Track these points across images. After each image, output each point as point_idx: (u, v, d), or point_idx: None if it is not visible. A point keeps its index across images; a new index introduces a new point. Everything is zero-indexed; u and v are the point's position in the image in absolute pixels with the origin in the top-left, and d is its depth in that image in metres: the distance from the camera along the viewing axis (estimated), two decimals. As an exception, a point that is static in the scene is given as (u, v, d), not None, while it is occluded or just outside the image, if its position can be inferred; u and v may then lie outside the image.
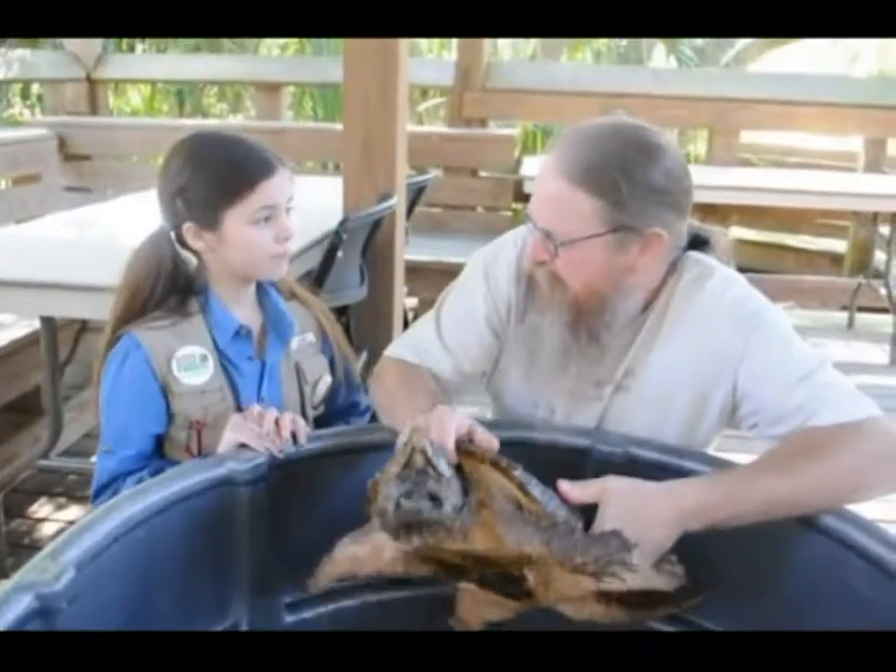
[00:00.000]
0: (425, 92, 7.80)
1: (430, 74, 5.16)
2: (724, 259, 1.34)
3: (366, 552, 1.07)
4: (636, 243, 1.21)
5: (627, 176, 1.17)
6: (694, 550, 1.06)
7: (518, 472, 1.02)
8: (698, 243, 1.34)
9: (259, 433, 1.22)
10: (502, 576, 1.04)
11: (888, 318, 4.20)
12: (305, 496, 1.23)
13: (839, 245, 5.51)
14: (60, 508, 2.60)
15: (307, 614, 1.24)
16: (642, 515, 1.04)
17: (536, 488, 1.02)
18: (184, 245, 1.41)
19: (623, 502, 1.05)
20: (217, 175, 1.36)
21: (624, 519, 1.02)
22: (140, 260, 1.41)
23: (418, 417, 1.07)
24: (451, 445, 1.02)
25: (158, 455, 1.42)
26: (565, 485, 1.05)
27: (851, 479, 1.09)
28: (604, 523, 1.03)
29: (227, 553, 1.17)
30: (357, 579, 1.10)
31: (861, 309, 4.51)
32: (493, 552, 1.01)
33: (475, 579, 1.06)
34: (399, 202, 2.58)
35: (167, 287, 1.41)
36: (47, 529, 2.51)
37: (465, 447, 1.03)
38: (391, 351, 1.43)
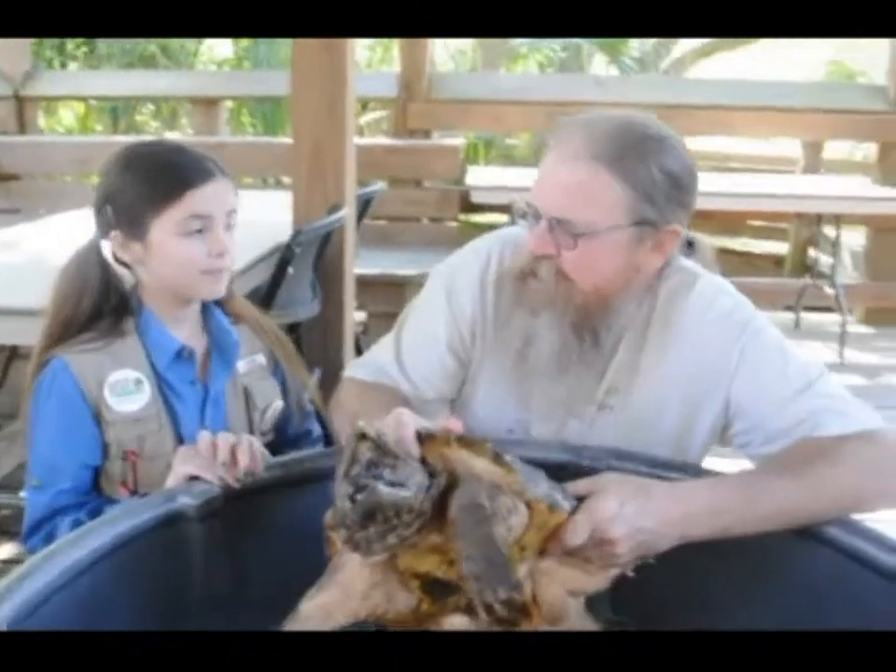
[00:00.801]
0: (365, 105, 7.72)
1: (372, 86, 5.07)
2: (709, 266, 1.28)
3: (334, 596, 0.94)
4: (651, 240, 1.14)
5: (657, 168, 1.10)
6: (686, 560, 0.99)
7: (490, 446, 0.91)
8: (686, 246, 1.28)
9: (212, 463, 1.11)
10: None
11: (833, 318, 4.27)
12: (264, 529, 1.14)
13: (780, 248, 5.58)
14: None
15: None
16: (645, 508, 0.96)
17: (514, 462, 0.92)
18: (117, 258, 1.30)
19: (622, 492, 0.96)
20: (145, 179, 1.27)
21: (627, 502, 0.95)
22: (65, 277, 1.31)
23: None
24: (410, 434, 0.91)
25: (95, 491, 1.32)
26: None
27: (861, 487, 1.04)
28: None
29: (181, 598, 1.07)
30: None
31: (806, 308, 4.56)
32: None
33: (465, 604, 0.94)
34: (349, 214, 2.50)
35: (96, 305, 1.30)
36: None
37: (424, 433, 0.92)
38: (348, 372, 1.34)
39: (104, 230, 1.30)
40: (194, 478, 1.10)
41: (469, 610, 0.94)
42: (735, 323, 1.18)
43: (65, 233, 2.63)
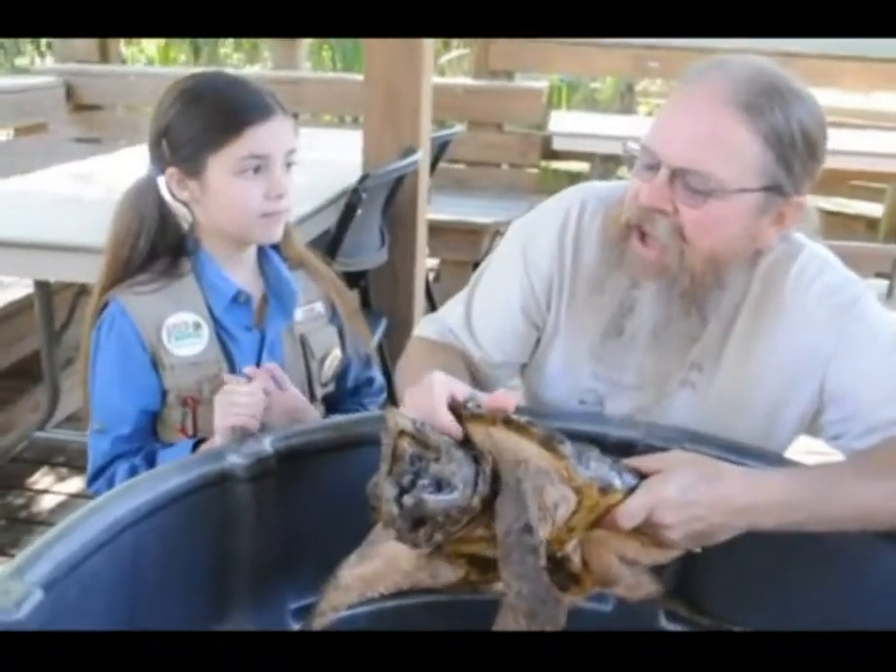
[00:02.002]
0: (447, 43, 7.56)
1: (454, 23, 4.94)
2: (813, 234, 1.15)
3: (377, 568, 0.91)
4: (775, 209, 1.03)
5: (799, 128, 0.99)
6: (761, 559, 0.94)
7: (538, 429, 0.85)
8: None
9: (253, 413, 1.09)
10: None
11: (931, 287, 4.02)
12: (314, 491, 1.09)
13: (875, 209, 5.30)
14: (61, 479, 2.50)
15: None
16: (711, 491, 0.88)
17: (563, 445, 0.85)
18: (174, 195, 1.26)
19: (688, 476, 0.89)
20: (203, 115, 1.21)
21: (688, 489, 0.87)
22: (121, 213, 1.27)
23: (408, 393, 0.90)
24: (441, 409, 0.84)
25: (153, 433, 1.30)
26: None
27: None
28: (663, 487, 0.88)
29: (226, 559, 1.04)
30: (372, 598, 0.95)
31: (901, 277, 4.32)
32: None
33: None
34: (423, 158, 2.41)
35: (153, 243, 1.27)
36: (46, 502, 2.41)
37: (469, 412, 0.86)
38: (417, 330, 1.28)
39: (159, 165, 1.26)
40: (241, 433, 1.08)
41: None
42: (838, 301, 1.08)
43: (141, 167, 2.62)
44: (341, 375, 1.43)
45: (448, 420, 0.83)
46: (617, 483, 0.89)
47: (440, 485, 0.78)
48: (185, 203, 1.27)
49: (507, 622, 0.79)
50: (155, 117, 1.26)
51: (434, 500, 0.77)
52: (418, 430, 0.80)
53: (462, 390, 0.88)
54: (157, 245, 1.28)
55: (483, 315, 1.22)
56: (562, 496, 0.85)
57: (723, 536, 0.91)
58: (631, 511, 0.88)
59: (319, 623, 0.92)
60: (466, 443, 0.85)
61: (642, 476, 0.91)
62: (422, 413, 0.83)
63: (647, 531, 0.90)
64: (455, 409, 0.86)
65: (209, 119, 1.21)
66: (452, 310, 1.27)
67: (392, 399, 1.41)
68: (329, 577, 0.93)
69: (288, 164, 1.26)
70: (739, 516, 0.89)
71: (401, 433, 0.80)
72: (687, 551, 0.93)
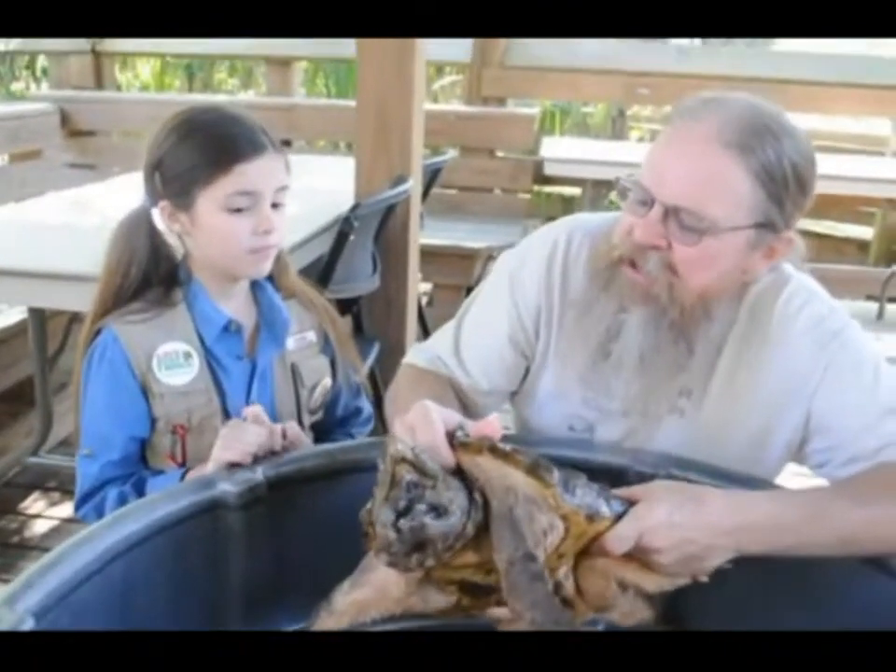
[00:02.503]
0: (440, 69, 7.62)
1: (447, 50, 4.96)
2: (800, 264, 1.17)
3: (370, 594, 0.92)
4: (766, 244, 1.05)
5: (790, 166, 1.01)
6: (744, 580, 0.93)
7: (524, 457, 0.86)
8: None
9: (253, 451, 1.08)
10: None
11: (920, 310, 4.05)
12: (305, 518, 1.10)
13: (865, 232, 5.34)
14: (54, 503, 2.49)
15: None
16: (698, 512, 0.89)
17: (549, 472, 0.86)
18: (167, 226, 1.28)
19: (674, 500, 0.90)
20: (195, 149, 1.23)
21: (675, 511, 0.88)
22: (115, 242, 1.29)
23: (399, 421, 0.91)
24: (441, 439, 0.84)
25: (142, 460, 1.31)
26: None
27: None
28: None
29: (217, 586, 1.04)
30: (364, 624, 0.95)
31: (891, 299, 4.35)
32: None
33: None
34: (414, 185, 2.43)
35: (146, 273, 1.28)
36: (39, 527, 2.40)
37: (458, 441, 0.87)
38: (407, 358, 1.29)
39: (153, 197, 1.28)
40: (234, 465, 1.07)
41: None
42: (823, 331, 1.09)
43: (135, 195, 2.63)
44: (330, 404, 1.44)
45: (447, 450, 0.84)
46: (605, 509, 0.89)
47: (437, 511, 0.79)
48: (177, 235, 1.28)
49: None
50: (149, 149, 1.27)
51: (434, 525, 0.79)
52: (417, 457, 0.81)
53: (451, 419, 0.89)
54: (149, 275, 1.29)
55: (472, 344, 1.23)
56: (550, 523, 0.86)
57: (715, 560, 0.91)
58: (620, 536, 0.88)
59: None
60: (457, 472, 0.86)
61: (630, 504, 0.91)
62: (422, 442, 0.84)
63: (640, 557, 0.90)
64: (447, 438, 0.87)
65: (200, 153, 1.22)
66: (441, 339, 1.28)
67: (382, 425, 1.42)
68: (322, 602, 0.93)
69: (278, 201, 1.26)
70: (727, 537, 0.90)
71: (401, 460, 0.81)
72: (693, 578, 0.93)
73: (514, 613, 0.82)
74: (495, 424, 0.88)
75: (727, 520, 0.90)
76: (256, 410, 1.14)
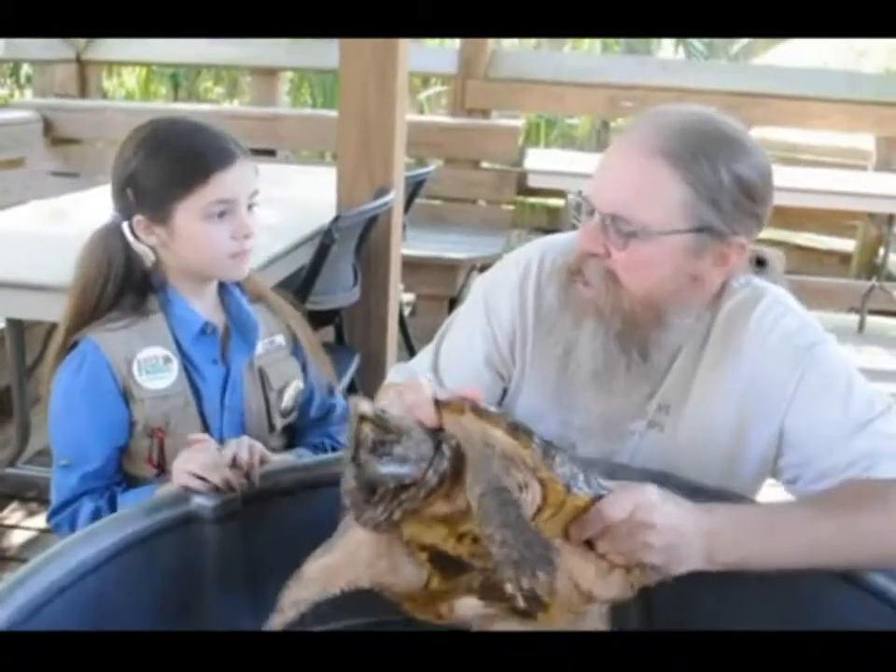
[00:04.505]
0: (426, 80, 7.64)
1: (431, 61, 5.01)
2: (778, 281, 1.19)
3: (339, 558, 0.90)
4: (714, 250, 1.06)
5: (727, 171, 1.02)
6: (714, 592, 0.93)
7: (505, 419, 0.85)
8: (755, 263, 1.19)
9: (217, 465, 1.07)
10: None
11: (899, 322, 4.10)
12: (280, 531, 1.09)
13: (847, 244, 5.39)
14: (31, 514, 2.46)
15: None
16: (682, 510, 0.89)
17: (530, 436, 0.84)
18: (138, 238, 1.29)
19: (660, 491, 0.90)
20: (169, 164, 1.24)
21: (666, 501, 0.88)
22: (88, 258, 1.29)
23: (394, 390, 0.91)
24: (425, 398, 0.84)
25: (119, 469, 1.32)
26: None
27: None
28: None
29: (191, 599, 1.04)
30: (334, 595, 0.91)
31: (872, 312, 4.38)
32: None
33: (477, 586, 0.89)
34: (396, 197, 2.43)
35: (120, 285, 1.29)
36: (17, 537, 2.37)
37: (441, 401, 0.86)
38: (387, 379, 1.30)
39: (125, 212, 1.29)
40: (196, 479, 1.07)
41: (483, 593, 0.89)
42: (797, 346, 1.10)
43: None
44: (304, 405, 1.45)
45: (430, 408, 0.84)
46: (584, 485, 0.87)
47: (399, 462, 0.79)
48: (150, 247, 1.29)
49: (497, 585, 0.77)
50: (116, 165, 1.28)
51: (383, 467, 0.78)
52: (379, 416, 0.80)
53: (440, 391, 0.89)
54: (124, 285, 1.30)
55: (449, 364, 1.24)
56: (526, 481, 0.84)
57: (689, 562, 0.89)
58: (619, 502, 0.86)
59: (279, 619, 0.89)
60: (437, 431, 0.84)
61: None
62: (408, 401, 0.85)
63: (622, 541, 0.88)
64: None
65: (174, 166, 1.23)
66: (420, 360, 1.28)
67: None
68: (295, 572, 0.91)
69: (251, 205, 1.29)
70: (704, 539, 0.89)
71: (362, 418, 0.80)
72: (643, 586, 0.91)
73: (486, 539, 0.78)
74: (472, 391, 0.88)
75: (704, 521, 0.90)
76: (198, 436, 1.17)
